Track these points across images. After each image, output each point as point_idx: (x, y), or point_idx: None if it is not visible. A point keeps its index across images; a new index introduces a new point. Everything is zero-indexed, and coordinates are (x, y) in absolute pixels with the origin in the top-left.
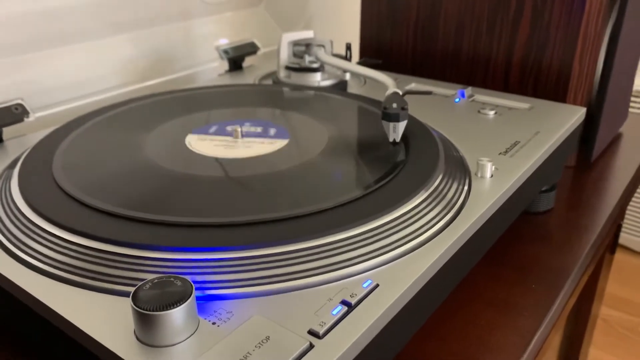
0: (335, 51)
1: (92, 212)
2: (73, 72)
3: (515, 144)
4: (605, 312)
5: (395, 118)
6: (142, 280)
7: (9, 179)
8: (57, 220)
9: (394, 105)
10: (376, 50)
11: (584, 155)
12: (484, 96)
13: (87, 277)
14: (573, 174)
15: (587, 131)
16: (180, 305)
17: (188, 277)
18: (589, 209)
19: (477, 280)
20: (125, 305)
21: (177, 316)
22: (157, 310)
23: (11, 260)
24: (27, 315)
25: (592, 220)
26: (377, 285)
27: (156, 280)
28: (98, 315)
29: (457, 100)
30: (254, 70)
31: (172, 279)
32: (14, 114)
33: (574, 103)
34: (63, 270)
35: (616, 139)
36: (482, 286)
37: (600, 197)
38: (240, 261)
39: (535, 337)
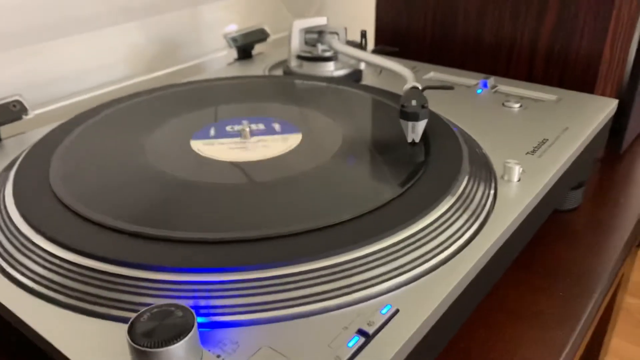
0: (349, 38)
1: (88, 225)
2: (74, 64)
3: (543, 141)
4: (625, 300)
5: (415, 117)
6: (139, 304)
7: (4, 183)
8: (49, 234)
9: (413, 102)
10: (392, 37)
11: (612, 147)
12: (507, 87)
13: (79, 298)
14: (600, 168)
15: (616, 122)
16: (181, 340)
17: (190, 302)
18: (618, 206)
19: (498, 286)
20: (120, 332)
21: (178, 352)
22: (155, 347)
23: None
24: (14, 331)
25: (623, 219)
26: (397, 311)
27: (155, 310)
28: (90, 342)
29: (479, 91)
30: (264, 58)
31: (172, 309)
32: (12, 111)
33: (603, 93)
34: (53, 290)
35: None
36: (505, 294)
37: (630, 193)
38: (247, 284)
39: (565, 351)
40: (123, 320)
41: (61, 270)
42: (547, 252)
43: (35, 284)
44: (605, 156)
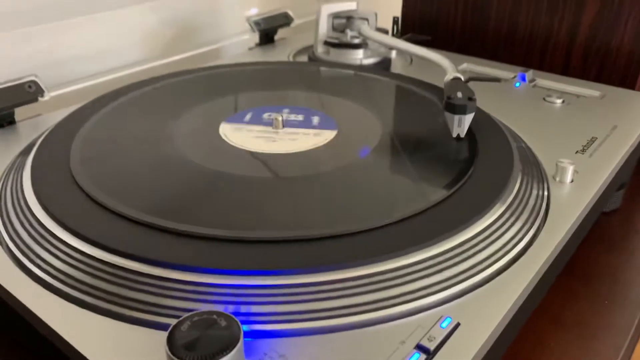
0: (378, 25)
1: (113, 218)
2: (91, 45)
3: (592, 140)
4: None
5: (462, 110)
6: (170, 308)
7: (21, 168)
8: (71, 227)
9: (459, 94)
10: (420, 24)
11: None
12: (546, 81)
13: (103, 299)
14: (635, 168)
15: None
16: (227, 354)
17: (230, 308)
18: None
19: None
20: (150, 339)
21: None
22: None
23: (17, 271)
24: (26, 326)
25: None
26: (458, 325)
27: (196, 318)
28: (118, 348)
29: (517, 84)
30: (287, 43)
31: (214, 317)
32: (28, 92)
33: None
34: (76, 289)
35: None
36: (548, 300)
37: None
38: (292, 289)
39: None
40: (152, 325)
41: (86, 268)
42: (587, 256)
43: (53, 279)
44: None
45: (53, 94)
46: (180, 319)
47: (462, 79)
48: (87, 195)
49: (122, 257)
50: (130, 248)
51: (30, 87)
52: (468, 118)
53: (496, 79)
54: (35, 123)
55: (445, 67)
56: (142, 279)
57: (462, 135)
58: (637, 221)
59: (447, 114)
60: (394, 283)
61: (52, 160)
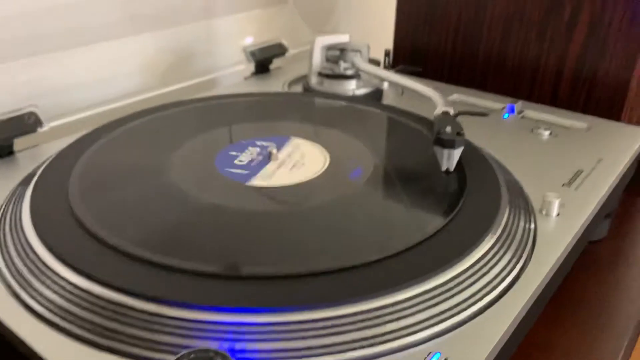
0: (370, 56)
1: (110, 252)
2: (89, 75)
3: (578, 173)
4: None
5: (451, 145)
6: (166, 344)
7: (21, 199)
8: (68, 261)
9: (448, 129)
10: (411, 54)
11: (635, 176)
12: (535, 112)
13: (101, 334)
14: (622, 196)
15: None
16: None
17: (226, 345)
18: None
19: None
20: None
21: None
22: None
23: (14, 303)
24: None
25: None
26: None
27: (192, 356)
28: None
29: (505, 116)
30: (282, 73)
31: (211, 355)
32: (27, 123)
33: (629, 121)
34: (71, 323)
35: None
36: (537, 329)
37: None
38: (282, 327)
39: None
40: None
41: (83, 302)
42: (574, 284)
43: (52, 314)
44: (626, 185)
45: (52, 124)
46: (177, 356)
47: (452, 112)
48: (85, 229)
49: (119, 292)
50: (127, 284)
51: (29, 118)
52: (457, 152)
53: (484, 113)
54: (34, 153)
55: (435, 100)
56: (139, 315)
57: (452, 169)
58: (623, 249)
59: (437, 148)
60: (384, 320)
61: (51, 193)
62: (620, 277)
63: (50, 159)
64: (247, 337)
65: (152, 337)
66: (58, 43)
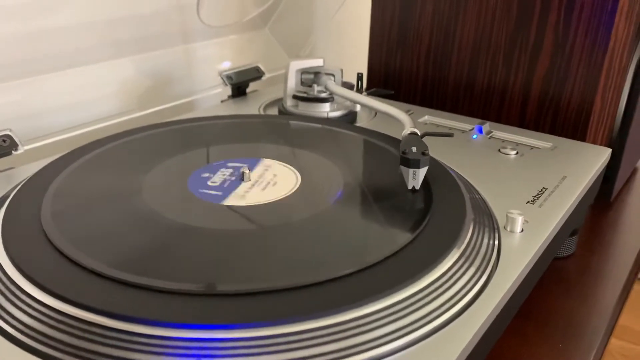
0: (344, 79)
1: (82, 273)
2: (66, 99)
3: (542, 190)
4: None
5: (416, 164)
6: None
7: None
8: (39, 282)
9: (414, 149)
10: (384, 78)
11: (602, 194)
12: (502, 133)
13: (73, 354)
14: (590, 213)
15: (607, 170)
16: None
17: None
18: (612, 253)
19: None
20: None
21: None
22: None
23: None
24: None
25: (616, 267)
26: None
27: None
28: None
29: (474, 136)
30: (259, 96)
31: None
32: (2, 146)
33: (594, 141)
34: (43, 344)
35: (632, 174)
36: (504, 344)
37: (622, 240)
38: (249, 342)
39: None
40: None
41: (54, 323)
42: (542, 300)
43: (22, 335)
44: (594, 203)
45: (27, 147)
46: None
47: (419, 133)
48: (57, 249)
49: (91, 312)
50: (99, 303)
51: (4, 141)
52: (422, 172)
53: (449, 134)
54: (8, 176)
55: (404, 121)
56: (111, 334)
57: (417, 187)
58: (591, 265)
59: (403, 168)
60: (350, 334)
61: (23, 214)
62: (588, 291)
63: (25, 180)
64: (218, 352)
65: (124, 355)
66: (36, 68)
